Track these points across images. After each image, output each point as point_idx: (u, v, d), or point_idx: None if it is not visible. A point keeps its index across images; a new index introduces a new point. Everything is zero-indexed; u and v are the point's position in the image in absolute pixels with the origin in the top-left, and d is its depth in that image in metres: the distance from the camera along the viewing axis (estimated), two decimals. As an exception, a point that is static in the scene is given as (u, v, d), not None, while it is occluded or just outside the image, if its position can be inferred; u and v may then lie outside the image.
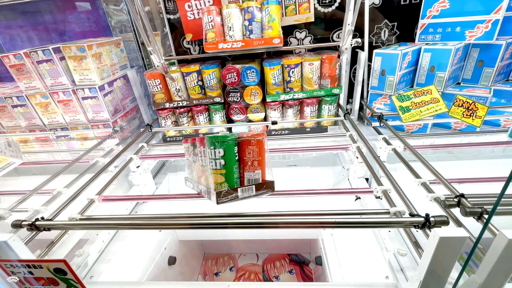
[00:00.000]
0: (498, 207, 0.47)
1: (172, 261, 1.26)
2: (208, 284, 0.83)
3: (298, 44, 1.32)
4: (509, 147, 1.00)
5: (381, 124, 1.13)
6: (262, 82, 1.22)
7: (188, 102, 1.25)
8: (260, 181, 0.65)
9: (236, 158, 0.63)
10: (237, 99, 1.20)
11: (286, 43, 1.32)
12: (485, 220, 0.56)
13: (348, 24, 1.20)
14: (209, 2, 1.21)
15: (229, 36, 1.08)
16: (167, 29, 1.32)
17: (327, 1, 1.22)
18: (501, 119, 1.09)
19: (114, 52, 1.30)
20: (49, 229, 0.68)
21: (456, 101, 1.02)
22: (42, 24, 1.41)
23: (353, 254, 0.95)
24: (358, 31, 1.25)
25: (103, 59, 1.22)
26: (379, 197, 0.99)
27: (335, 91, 1.21)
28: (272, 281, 1.55)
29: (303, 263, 1.62)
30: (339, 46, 1.27)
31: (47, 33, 1.43)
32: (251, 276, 1.59)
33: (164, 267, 1.21)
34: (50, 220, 0.69)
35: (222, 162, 0.61)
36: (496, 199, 0.64)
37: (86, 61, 1.15)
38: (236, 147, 0.63)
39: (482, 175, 0.82)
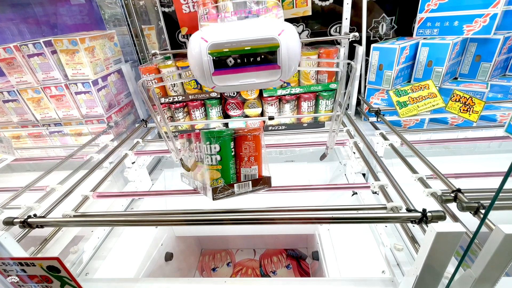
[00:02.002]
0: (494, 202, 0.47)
1: (169, 257, 1.25)
2: (205, 280, 0.83)
3: (295, 38, 1.31)
4: (505, 142, 1.00)
5: (378, 119, 1.12)
6: (259, 77, 1.20)
7: (183, 97, 1.23)
8: (257, 177, 0.64)
9: (232, 153, 0.63)
10: (234, 94, 1.19)
11: (283, 37, 1.30)
12: (481, 215, 0.56)
13: (346, 19, 1.19)
14: (204, -6, 1.18)
15: (225, 29, 1.06)
16: (162, 23, 1.30)
17: (324, -6, 1.21)
18: (498, 114, 1.10)
19: (107, 46, 1.27)
20: (42, 226, 0.66)
21: (453, 96, 1.02)
22: (33, 16, 1.37)
23: (349, 249, 0.96)
24: (355, 25, 1.23)
25: (96, 53, 1.19)
26: (375, 192, 0.99)
27: (332, 86, 1.20)
28: (270, 276, 1.56)
29: (300, 258, 1.63)
30: (337, 40, 1.26)
31: (38, 26, 1.40)
32: (248, 271, 1.59)
33: (161, 263, 1.21)
34: (43, 217, 0.68)
35: (218, 157, 0.60)
36: (492, 194, 0.64)
37: (78, 55, 1.12)
38: (232, 142, 0.63)
39: (478, 170, 0.83)
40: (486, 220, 0.55)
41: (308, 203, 1.16)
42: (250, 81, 0.52)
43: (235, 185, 0.62)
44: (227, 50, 0.49)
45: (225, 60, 0.50)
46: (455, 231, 0.46)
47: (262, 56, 0.50)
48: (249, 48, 0.49)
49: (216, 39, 0.49)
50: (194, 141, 0.71)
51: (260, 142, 0.64)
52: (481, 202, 0.57)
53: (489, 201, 0.59)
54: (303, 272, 1.55)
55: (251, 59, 0.50)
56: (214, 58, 0.49)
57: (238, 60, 0.50)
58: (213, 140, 0.59)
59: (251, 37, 0.49)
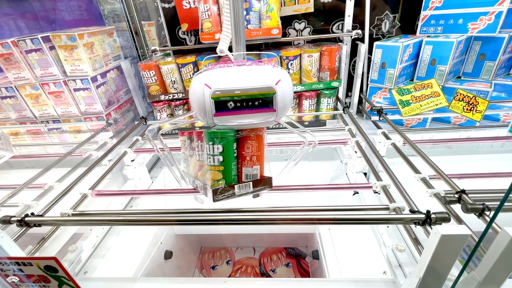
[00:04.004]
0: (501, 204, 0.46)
1: (168, 255, 1.25)
2: (204, 280, 0.82)
3: (297, 36, 1.29)
4: (508, 142, 0.99)
5: (381, 118, 1.11)
6: (260, 75, 1.19)
7: (183, 95, 1.22)
8: (258, 177, 0.63)
9: (235, 154, 0.62)
10: (234, 91, 1.18)
11: (284, 34, 1.28)
12: (486, 217, 0.55)
13: (348, 16, 1.17)
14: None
15: (226, 26, 1.04)
16: (162, 19, 1.28)
17: (327, -9, 1.19)
18: (501, 113, 1.08)
19: (106, 42, 1.26)
20: (39, 225, 0.65)
21: (457, 95, 1.01)
22: (31, 11, 1.35)
23: (350, 248, 0.95)
24: (358, 22, 1.22)
25: (95, 49, 1.18)
26: (377, 192, 0.98)
27: (334, 84, 1.18)
28: (269, 274, 1.56)
29: (300, 256, 1.63)
30: (339, 38, 1.24)
31: (36, 22, 1.38)
32: (248, 269, 1.59)
33: (160, 262, 1.20)
34: (41, 216, 0.67)
35: (220, 158, 0.59)
36: (496, 195, 0.64)
37: (77, 51, 1.10)
38: (235, 143, 0.62)
39: (481, 170, 0.82)
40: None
41: (308, 201, 1.15)
42: (248, 122, 0.57)
43: (235, 186, 0.61)
44: (229, 95, 0.53)
45: (225, 104, 0.54)
46: (461, 234, 0.45)
47: (260, 101, 0.55)
48: (249, 94, 0.54)
49: (219, 86, 0.53)
50: (196, 140, 0.69)
51: (262, 142, 0.63)
52: (486, 203, 0.56)
53: (494, 203, 0.58)
54: (303, 271, 1.55)
55: (250, 103, 0.55)
56: (216, 101, 0.53)
57: (238, 104, 0.54)
58: (216, 140, 0.58)
59: (251, 85, 0.53)
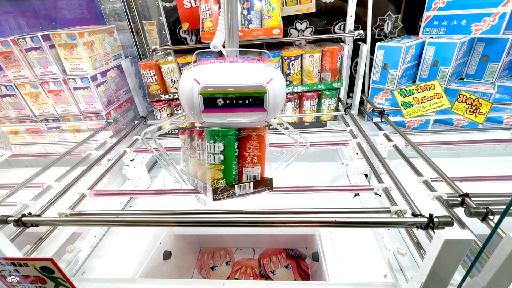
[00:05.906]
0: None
1: (167, 255, 1.24)
2: (203, 282, 0.81)
3: (298, 36, 1.28)
4: (511, 144, 0.98)
5: (382, 120, 1.10)
6: (261, 75, 1.18)
7: (184, 94, 1.21)
8: (259, 178, 0.63)
9: (236, 154, 0.61)
10: (235, 91, 1.17)
11: (286, 34, 1.27)
12: (490, 221, 0.55)
13: (350, 16, 1.16)
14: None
15: (227, 25, 1.04)
16: (163, 18, 1.27)
17: (329, -9, 1.18)
18: (504, 115, 1.07)
19: (107, 41, 1.25)
20: (36, 225, 0.65)
21: (460, 97, 1.00)
22: (31, 10, 1.35)
23: (351, 251, 0.94)
24: (360, 23, 1.21)
25: (95, 48, 1.17)
26: (378, 194, 0.97)
27: (336, 84, 1.17)
28: (269, 275, 1.55)
29: (300, 258, 1.62)
30: (341, 38, 1.24)
31: (36, 20, 1.37)
32: (247, 270, 1.58)
33: (159, 262, 1.19)
34: (38, 215, 0.66)
35: (221, 157, 0.58)
36: (500, 198, 0.63)
37: (77, 49, 1.10)
38: (237, 142, 0.61)
39: (483, 172, 0.81)
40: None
41: (309, 202, 1.15)
42: (237, 120, 0.55)
43: (236, 186, 0.60)
44: (218, 92, 0.52)
45: (214, 100, 0.52)
46: (464, 239, 0.45)
47: (250, 99, 0.53)
48: (239, 92, 0.52)
49: (208, 82, 0.51)
50: (196, 139, 0.69)
51: (264, 142, 0.62)
52: (490, 207, 0.55)
53: (497, 207, 0.58)
54: (303, 272, 1.54)
55: (240, 101, 0.53)
56: (204, 97, 0.52)
57: (227, 101, 0.53)
58: (218, 139, 0.57)
59: (241, 83, 0.51)
